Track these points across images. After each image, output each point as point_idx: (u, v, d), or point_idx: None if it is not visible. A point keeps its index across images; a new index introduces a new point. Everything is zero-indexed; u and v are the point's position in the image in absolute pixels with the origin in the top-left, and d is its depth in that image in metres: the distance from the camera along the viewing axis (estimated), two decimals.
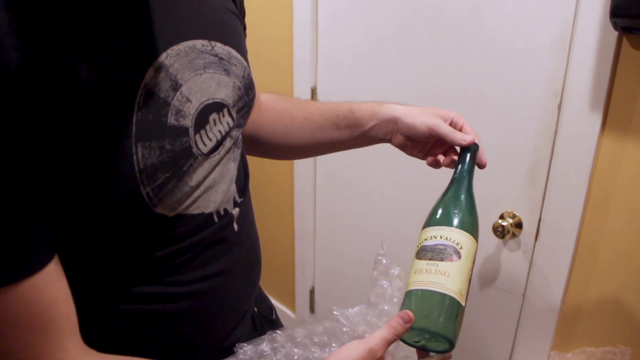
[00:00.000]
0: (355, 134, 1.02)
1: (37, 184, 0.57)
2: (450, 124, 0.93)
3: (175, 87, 0.69)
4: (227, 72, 0.79)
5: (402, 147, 1.00)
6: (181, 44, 0.71)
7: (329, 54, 2.01)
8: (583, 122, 1.37)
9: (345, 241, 2.17)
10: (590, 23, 1.30)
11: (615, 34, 1.26)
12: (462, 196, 0.84)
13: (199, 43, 0.74)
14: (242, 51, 0.84)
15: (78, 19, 0.60)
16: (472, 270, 0.79)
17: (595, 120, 1.35)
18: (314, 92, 2.10)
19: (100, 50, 0.62)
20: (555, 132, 1.45)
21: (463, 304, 0.75)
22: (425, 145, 0.98)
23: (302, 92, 2.12)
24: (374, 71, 1.87)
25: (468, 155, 0.88)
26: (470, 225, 0.80)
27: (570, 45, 1.37)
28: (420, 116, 0.93)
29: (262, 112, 1.09)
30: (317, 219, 2.25)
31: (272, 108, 1.10)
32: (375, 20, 1.80)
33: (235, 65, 0.81)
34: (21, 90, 0.54)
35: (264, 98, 1.12)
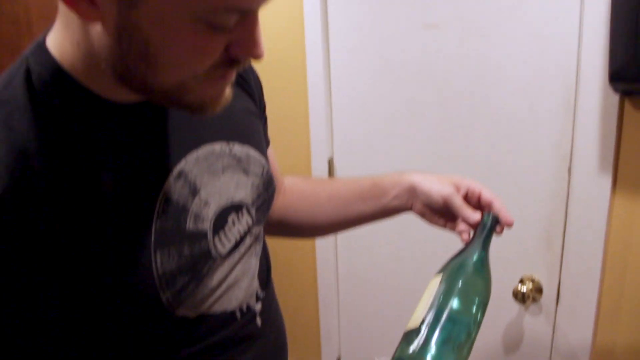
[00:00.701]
0: (379, 205, 1.04)
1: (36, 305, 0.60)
2: (467, 192, 0.94)
3: (194, 192, 0.70)
4: (246, 172, 0.80)
5: (422, 215, 1.00)
6: (200, 148, 0.73)
7: (344, 125, 2.09)
8: (594, 183, 1.39)
9: (371, 305, 2.16)
10: (592, 87, 1.35)
11: (617, 96, 1.30)
12: (469, 268, 0.83)
13: (217, 146, 0.76)
14: (261, 149, 0.86)
15: (101, 133, 0.63)
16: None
17: (605, 182, 1.37)
18: (331, 163, 2.15)
19: (122, 163, 0.64)
20: (568, 194, 1.47)
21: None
22: (444, 213, 0.98)
23: (319, 164, 2.18)
24: (388, 141, 1.92)
25: (483, 228, 0.87)
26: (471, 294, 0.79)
27: (575, 109, 1.41)
28: (436, 185, 0.94)
29: (287, 196, 1.11)
30: (340, 284, 2.25)
31: (296, 191, 1.11)
32: (386, 91, 1.87)
33: (253, 164, 0.82)
34: (35, 208, 0.57)
35: (288, 182, 1.13)
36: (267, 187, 0.86)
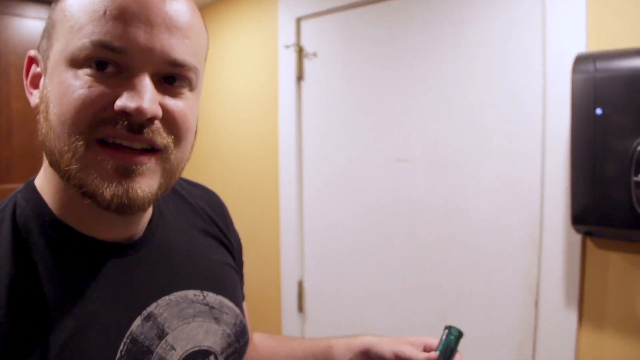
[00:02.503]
0: None
1: None
2: (424, 348, 0.95)
3: (161, 335, 0.70)
4: (217, 320, 0.79)
5: None
6: (173, 294, 0.74)
7: (314, 248, 2.13)
8: (560, 317, 1.45)
9: None
10: (556, 225, 1.45)
11: (579, 235, 1.41)
12: None
13: (190, 293, 0.77)
14: (237, 300, 0.86)
15: (75, 265, 0.65)
16: None
17: (571, 316, 1.43)
18: (300, 285, 2.17)
19: (91, 298, 0.65)
20: (535, 327, 1.52)
21: None
22: None
23: (289, 285, 2.19)
24: (358, 267, 1.97)
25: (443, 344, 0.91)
26: None
27: (540, 246, 1.50)
28: (390, 344, 0.96)
29: (251, 350, 1.12)
30: None
31: (260, 347, 1.13)
32: (358, 218, 1.95)
33: (226, 313, 0.82)
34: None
35: (255, 337, 1.15)
36: (239, 337, 0.85)
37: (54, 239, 0.65)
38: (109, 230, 0.69)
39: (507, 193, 1.57)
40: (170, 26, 0.60)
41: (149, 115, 0.59)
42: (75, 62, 0.59)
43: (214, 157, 2.67)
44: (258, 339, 1.13)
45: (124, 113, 0.58)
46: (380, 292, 1.90)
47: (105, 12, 0.57)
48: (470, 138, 1.63)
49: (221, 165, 2.61)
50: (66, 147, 0.59)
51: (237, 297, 0.87)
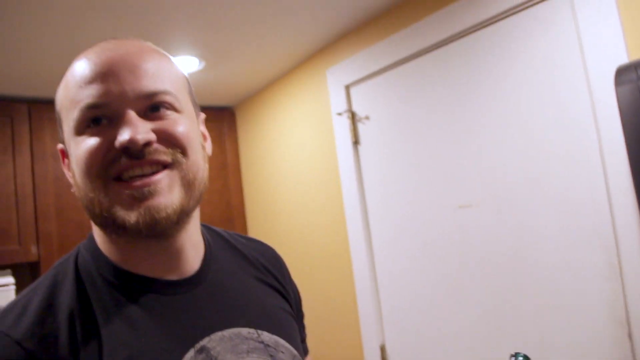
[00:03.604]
0: None
1: None
2: None
3: None
4: (273, 357, 0.79)
5: None
6: (226, 330, 0.76)
7: (391, 311, 2.09)
8: None
9: None
10: (633, 246, 1.34)
11: None
12: None
13: (244, 330, 0.78)
14: (295, 343, 0.86)
15: (130, 301, 0.72)
16: None
17: None
18: (383, 349, 2.11)
19: (146, 332, 0.70)
20: None
21: None
22: None
23: (371, 349, 2.14)
24: (436, 323, 1.90)
25: None
26: None
27: (621, 271, 1.39)
28: None
29: None
30: None
31: None
32: (429, 272, 1.90)
33: (282, 352, 0.81)
34: None
35: None
36: None
37: (109, 280, 0.73)
38: (158, 268, 0.75)
39: (576, 222, 1.49)
40: (134, 70, 0.71)
41: (141, 141, 0.68)
42: (78, 130, 0.71)
43: (283, 229, 2.73)
44: None
45: (124, 148, 0.68)
46: (461, 345, 1.81)
47: (81, 86, 0.70)
48: (529, 172, 1.59)
49: (291, 236, 2.66)
50: (91, 194, 0.70)
51: (294, 340, 0.87)
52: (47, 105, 2.57)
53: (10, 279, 2.18)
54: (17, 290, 2.24)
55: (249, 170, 3.10)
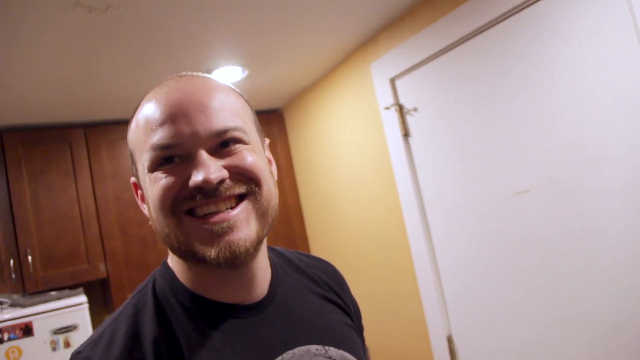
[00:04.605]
0: None
1: None
2: None
3: None
4: None
5: None
6: (297, 348, 0.80)
7: (455, 301, 2.06)
8: None
9: None
10: None
11: None
12: None
13: (313, 347, 0.82)
14: (358, 356, 0.90)
15: (207, 327, 0.75)
16: None
17: None
18: (450, 340, 2.09)
19: (219, 355, 0.74)
20: None
21: None
22: None
23: (438, 341, 2.12)
24: (500, 312, 1.86)
25: None
26: None
27: None
28: None
29: None
30: None
31: None
32: (490, 261, 1.87)
33: None
34: None
35: None
36: None
37: (188, 307, 0.77)
38: (233, 293, 0.79)
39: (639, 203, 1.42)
40: (203, 109, 0.73)
41: (215, 180, 0.70)
42: (152, 168, 0.74)
43: (340, 225, 2.74)
44: None
45: (198, 188, 0.71)
46: (528, 334, 1.77)
47: (152, 129, 0.73)
48: (586, 155, 1.52)
49: (349, 232, 2.66)
50: (167, 229, 0.73)
51: (359, 354, 0.90)
52: (101, 127, 2.65)
53: (83, 298, 2.27)
54: (90, 308, 2.33)
55: (302, 170, 3.12)
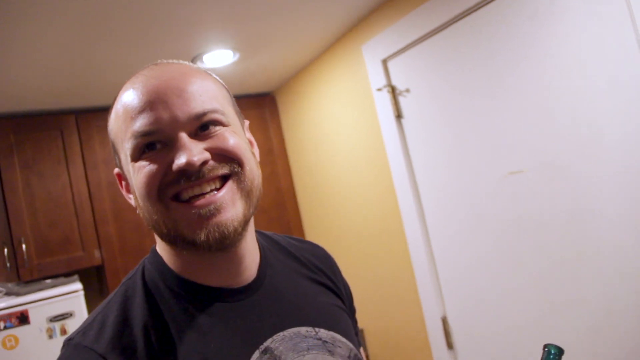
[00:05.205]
0: None
1: None
2: None
3: None
4: (332, 352, 0.84)
5: None
6: (286, 330, 0.81)
7: (449, 282, 2.07)
8: None
9: None
10: None
11: None
12: None
13: (303, 329, 0.83)
14: (350, 337, 0.90)
15: (197, 311, 0.76)
16: None
17: None
18: (445, 321, 2.11)
19: (212, 338, 0.75)
20: None
21: None
22: None
23: (433, 322, 2.14)
24: (495, 291, 1.87)
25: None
26: None
27: None
28: None
29: None
30: None
31: None
32: (482, 239, 1.87)
33: (339, 347, 0.86)
34: None
35: None
36: None
37: (177, 292, 0.78)
38: (222, 277, 0.80)
39: (635, 186, 1.42)
40: (181, 94, 0.74)
41: (197, 162, 0.71)
42: (135, 157, 0.74)
43: (335, 208, 2.74)
44: None
45: (181, 171, 0.71)
46: (522, 314, 1.78)
47: (132, 117, 0.73)
48: (580, 135, 1.51)
49: (343, 214, 2.67)
50: (155, 216, 0.74)
51: (350, 335, 0.91)
52: (93, 113, 2.63)
53: (78, 285, 2.27)
54: (86, 295, 2.33)
55: (295, 153, 3.11)
